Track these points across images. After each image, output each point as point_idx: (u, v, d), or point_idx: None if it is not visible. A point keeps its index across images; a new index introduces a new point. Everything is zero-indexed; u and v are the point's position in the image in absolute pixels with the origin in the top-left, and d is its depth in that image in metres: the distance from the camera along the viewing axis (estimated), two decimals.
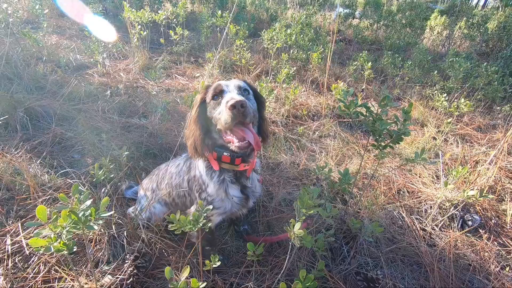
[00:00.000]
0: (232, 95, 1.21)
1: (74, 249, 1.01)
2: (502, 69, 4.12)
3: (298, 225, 1.07)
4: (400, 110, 1.51)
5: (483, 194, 1.65)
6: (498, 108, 3.79)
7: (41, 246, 0.96)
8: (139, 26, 4.06)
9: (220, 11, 4.68)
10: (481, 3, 11.23)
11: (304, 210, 1.07)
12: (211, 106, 1.30)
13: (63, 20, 5.62)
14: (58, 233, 0.99)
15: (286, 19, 5.88)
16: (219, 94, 1.28)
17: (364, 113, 1.52)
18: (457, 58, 3.88)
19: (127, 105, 3.21)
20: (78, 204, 1.04)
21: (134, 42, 4.14)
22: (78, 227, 0.99)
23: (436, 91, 3.83)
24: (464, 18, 6.56)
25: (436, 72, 4.11)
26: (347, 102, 1.52)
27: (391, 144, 1.52)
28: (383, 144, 1.53)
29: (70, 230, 0.97)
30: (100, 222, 1.07)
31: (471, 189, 1.77)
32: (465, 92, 3.87)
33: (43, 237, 1.02)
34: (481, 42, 6.36)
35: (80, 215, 1.01)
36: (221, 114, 1.20)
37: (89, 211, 1.04)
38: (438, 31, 6.66)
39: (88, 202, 1.06)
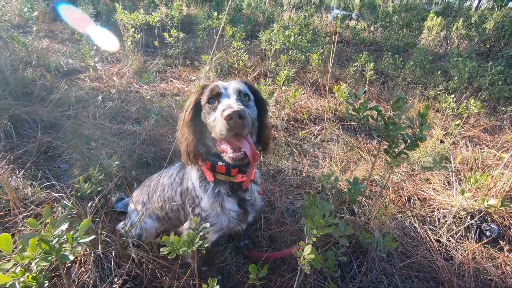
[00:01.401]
0: (229, 102, 1.06)
1: (46, 284, 0.85)
2: (506, 69, 4.03)
3: (308, 249, 0.92)
4: (406, 112, 1.38)
5: (505, 203, 1.52)
6: (503, 108, 3.69)
7: (5, 283, 0.80)
8: (133, 29, 3.93)
9: (216, 13, 4.57)
10: (474, 4, 11.25)
11: (316, 231, 0.92)
12: (205, 110, 1.15)
13: (56, 24, 5.48)
14: (26, 265, 0.84)
15: (283, 21, 5.78)
16: (215, 97, 1.14)
17: (375, 117, 1.39)
18: (460, 58, 3.78)
19: (120, 110, 3.06)
20: (51, 229, 0.89)
21: (127, 45, 4.00)
22: (49, 258, 0.84)
23: (439, 92, 3.71)
24: (462, 19, 6.52)
25: (439, 72, 4.01)
26: (356, 105, 1.39)
27: (405, 151, 1.39)
28: (396, 150, 1.39)
29: (40, 262, 0.82)
30: (79, 249, 0.92)
31: (490, 198, 1.63)
32: (468, 93, 3.76)
33: (13, 267, 0.86)
34: (479, 42, 6.30)
35: (53, 243, 0.86)
36: (216, 122, 1.05)
37: (65, 236, 0.89)
38: (436, 31, 6.61)
39: (64, 227, 0.91)
